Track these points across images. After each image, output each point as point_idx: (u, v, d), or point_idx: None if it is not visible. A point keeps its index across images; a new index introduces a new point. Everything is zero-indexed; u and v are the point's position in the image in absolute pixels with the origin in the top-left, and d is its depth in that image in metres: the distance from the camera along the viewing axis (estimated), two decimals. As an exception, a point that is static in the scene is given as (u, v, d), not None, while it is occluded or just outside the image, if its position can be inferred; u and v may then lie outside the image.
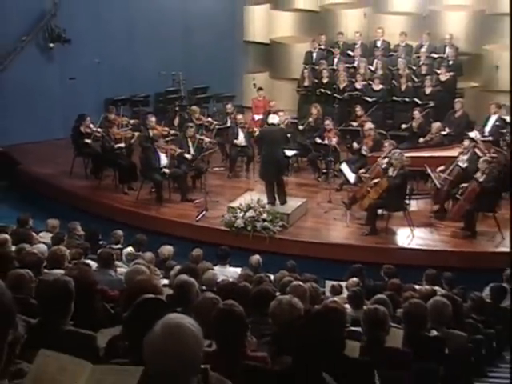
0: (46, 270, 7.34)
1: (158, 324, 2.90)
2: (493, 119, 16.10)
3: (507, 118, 16.17)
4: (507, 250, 13.27)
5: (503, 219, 13.80)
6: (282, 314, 5.18)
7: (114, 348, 4.26)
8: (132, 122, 16.58)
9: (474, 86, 18.73)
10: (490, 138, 15.56)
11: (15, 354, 3.19)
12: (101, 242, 11.65)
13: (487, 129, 15.97)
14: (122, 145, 15.50)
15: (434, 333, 6.74)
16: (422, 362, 6.04)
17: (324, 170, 16.01)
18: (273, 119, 14.64)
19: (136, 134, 15.84)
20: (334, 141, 15.69)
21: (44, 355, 3.47)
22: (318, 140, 15.97)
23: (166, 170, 14.79)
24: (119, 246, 11.62)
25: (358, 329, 6.01)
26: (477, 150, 14.33)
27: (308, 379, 3.83)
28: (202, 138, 15.81)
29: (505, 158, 14.29)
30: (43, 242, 10.11)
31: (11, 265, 6.76)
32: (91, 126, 15.92)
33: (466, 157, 14.16)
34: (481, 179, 13.46)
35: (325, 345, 3.95)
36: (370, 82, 17.58)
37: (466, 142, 14.54)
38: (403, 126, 16.66)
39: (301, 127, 16.67)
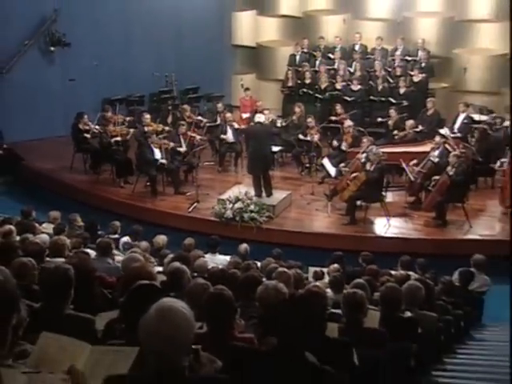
0: (47, 259, 7.32)
1: (152, 307, 2.91)
2: (461, 117, 16.18)
3: (475, 116, 16.27)
4: (475, 237, 13.37)
5: (471, 209, 13.94)
6: (268, 297, 5.19)
7: (111, 330, 4.25)
8: (127, 119, 16.59)
9: (444, 87, 18.78)
10: (459, 135, 15.62)
11: (19, 336, 3.19)
12: (99, 233, 11.61)
13: (456, 126, 16.04)
14: (119, 138, 15.53)
15: (408, 314, 6.77)
16: (397, 341, 6.06)
17: (307, 165, 16.02)
18: (259, 118, 14.68)
19: (131, 130, 15.86)
20: (316, 137, 15.75)
21: (46, 337, 3.48)
22: (301, 137, 16.03)
23: (163, 161, 14.82)
24: (116, 235, 11.62)
25: (338, 311, 6.03)
26: (447, 146, 14.42)
27: (292, 358, 3.84)
28: (193, 135, 15.80)
29: (472, 153, 14.38)
30: (45, 233, 10.09)
31: (15, 254, 6.75)
32: (89, 123, 15.92)
33: (437, 152, 14.25)
34: (451, 172, 13.53)
35: (307, 326, 3.96)
36: (349, 83, 17.60)
37: (437, 138, 14.67)
38: (379, 119, 16.70)
39: (279, 124, 16.71)
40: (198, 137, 15.96)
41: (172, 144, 15.16)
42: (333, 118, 16.58)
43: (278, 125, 16.65)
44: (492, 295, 11.41)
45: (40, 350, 3.42)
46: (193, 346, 3.17)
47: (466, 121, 16.04)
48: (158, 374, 2.88)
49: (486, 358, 9.20)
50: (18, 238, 8.59)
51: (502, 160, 14.39)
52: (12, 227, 9.55)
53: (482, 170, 14.80)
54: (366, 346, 5.11)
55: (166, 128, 16.21)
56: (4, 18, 16.43)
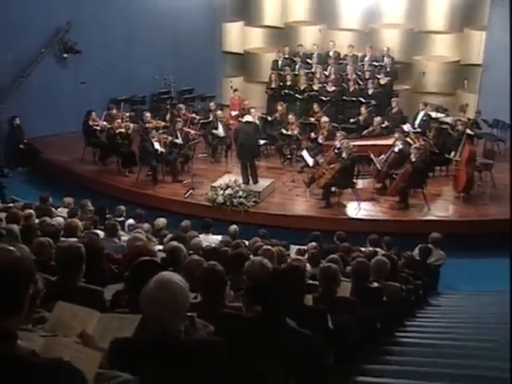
0: (62, 238, 7.30)
1: (152, 280, 2.91)
2: (421, 115, 16.25)
3: (432, 114, 16.33)
4: (432, 218, 13.44)
5: (429, 194, 14.04)
6: (254, 271, 5.18)
7: (117, 300, 4.25)
8: (127, 114, 16.59)
9: (406, 89, 18.82)
10: (419, 130, 15.66)
11: (36, 305, 3.18)
12: (107, 216, 11.62)
13: (417, 122, 16.10)
14: (123, 130, 15.45)
15: (375, 284, 6.82)
16: (366, 308, 6.09)
17: (288, 156, 16.02)
18: (247, 118, 14.73)
19: (132, 125, 15.79)
20: (296, 132, 15.75)
21: (61, 306, 3.48)
22: (283, 131, 16.00)
23: (162, 149, 14.78)
24: (122, 218, 11.61)
25: (316, 282, 6.05)
26: (408, 139, 14.46)
27: (275, 324, 3.85)
28: (188, 130, 15.77)
29: (430, 146, 14.43)
30: (60, 216, 10.08)
31: (35, 234, 6.75)
32: (97, 119, 15.96)
33: (400, 145, 14.26)
34: (412, 162, 13.58)
35: (288, 296, 3.96)
36: (325, 85, 17.59)
37: (400, 133, 14.68)
38: (351, 120, 16.69)
39: (269, 118, 16.71)
40: (193, 132, 15.95)
41: (170, 138, 15.12)
42: (311, 119, 16.56)
43: (269, 119, 16.66)
44: (446, 267, 11.50)
45: (56, 316, 3.42)
46: (188, 314, 3.18)
47: (424, 118, 16.13)
48: (157, 337, 2.89)
49: (441, 321, 9.29)
50: (37, 220, 8.58)
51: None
52: (32, 211, 9.55)
53: (439, 160, 14.85)
54: (339, 313, 5.12)
55: (163, 123, 16.15)
56: (23, 30, 16.29)
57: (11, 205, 11.46)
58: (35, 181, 16.30)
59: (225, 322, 3.73)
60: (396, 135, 14.63)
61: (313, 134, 15.63)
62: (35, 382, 1.88)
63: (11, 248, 2.01)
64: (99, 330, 3.26)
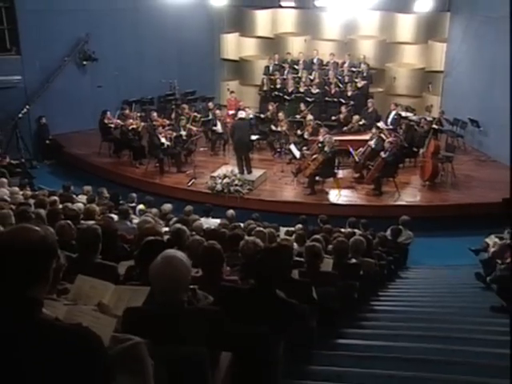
0: (82, 221, 7.28)
1: (159, 257, 2.91)
2: (392, 114, 16.16)
3: (402, 113, 16.32)
4: (402, 203, 13.46)
5: (400, 182, 14.01)
6: (248, 249, 5.19)
7: (129, 274, 4.24)
8: (138, 113, 16.50)
9: (380, 91, 18.74)
10: (391, 127, 15.60)
11: (59, 278, 3.17)
12: (120, 202, 11.56)
13: (389, 120, 16.01)
14: (134, 126, 15.44)
15: (353, 260, 6.83)
16: (345, 280, 6.11)
17: (278, 149, 15.93)
18: (241, 115, 14.62)
19: (142, 123, 15.71)
20: (285, 128, 15.71)
21: (81, 279, 3.47)
22: (274, 128, 15.92)
23: (168, 143, 14.74)
24: (133, 204, 11.55)
25: (302, 259, 6.05)
26: (382, 135, 14.41)
27: (266, 294, 3.85)
28: (191, 127, 15.72)
29: (401, 141, 14.42)
30: (80, 202, 10.06)
31: (59, 217, 6.73)
32: (111, 118, 15.94)
33: (374, 140, 14.25)
34: (385, 155, 13.58)
35: (278, 270, 3.96)
36: (310, 87, 17.50)
37: (375, 130, 14.68)
38: (333, 118, 16.65)
39: (262, 116, 16.62)
40: (195, 128, 15.83)
41: (174, 133, 15.07)
42: (298, 117, 16.51)
43: (261, 117, 16.56)
44: (414, 245, 11.55)
45: (76, 288, 3.42)
46: (191, 286, 3.18)
47: (395, 117, 16.06)
48: (163, 306, 2.90)
49: (409, 291, 9.37)
50: (60, 206, 8.54)
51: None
52: (56, 198, 9.56)
53: (408, 153, 14.83)
54: (321, 285, 5.13)
55: (168, 121, 16.03)
56: (50, 42, 16.28)
57: (39, 192, 11.41)
58: (59, 172, 16.26)
59: (223, 293, 3.73)
60: (374, 130, 14.61)
61: (299, 131, 15.58)
62: (58, 343, 1.89)
63: (37, 228, 2.01)
64: (114, 300, 3.25)
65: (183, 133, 15.20)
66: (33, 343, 1.87)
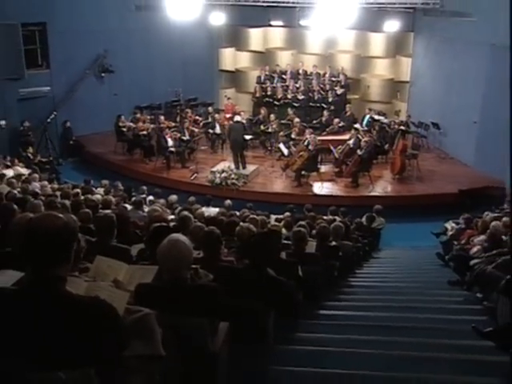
0: (100, 210, 7.25)
1: (165, 240, 2.89)
2: (367, 117, 16.12)
3: (375, 117, 16.28)
4: (375, 194, 13.47)
5: (373, 176, 14.00)
6: (243, 234, 5.17)
7: (141, 256, 4.22)
8: (148, 117, 16.42)
9: (356, 98, 18.66)
10: (366, 128, 15.55)
11: (80, 258, 3.17)
12: (133, 194, 11.53)
13: (364, 123, 15.97)
14: (145, 132, 15.42)
15: (334, 243, 6.82)
16: (327, 260, 6.11)
17: (269, 148, 15.86)
18: (236, 118, 14.62)
19: (151, 126, 15.64)
20: (275, 127, 15.65)
21: (99, 259, 3.45)
22: (263, 128, 15.86)
23: (173, 149, 14.71)
24: (144, 195, 11.48)
25: (289, 242, 6.03)
26: (359, 136, 14.39)
27: (258, 272, 3.84)
28: (193, 129, 15.67)
29: (374, 140, 14.37)
30: (99, 194, 10.00)
31: (80, 207, 6.70)
32: (125, 121, 15.90)
33: (352, 140, 14.23)
34: (361, 152, 13.58)
35: (268, 252, 3.96)
36: (296, 94, 17.41)
37: (352, 131, 14.65)
38: (316, 120, 16.59)
39: (255, 119, 16.52)
40: (197, 130, 15.80)
41: (179, 134, 15.02)
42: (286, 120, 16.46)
43: (254, 120, 16.43)
44: (386, 230, 11.56)
45: (95, 267, 3.39)
46: (193, 266, 3.16)
47: (369, 119, 16.01)
48: (170, 282, 2.88)
49: (381, 268, 9.39)
50: (82, 197, 8.51)
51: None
52: (78, 190, 9.54)
53: (380, 151, 14.83)
54: (306, 264, 5.12)
55: (173, 124, 15.99)
56: (73, 58, 16.25)
57: (64, 186, 11.39)
58: (80, 168, 16.13)
59: (221, 272, 3.71)
60: (352, 131, 14.58)
61: (287, 131, 15.54)
62: (79, 313, 1.90)
63: (60, 215, 2.02)
64: (127, 277, 3.23)
65: (186, 137, 15.11)
66: (58, 313, 1.88)
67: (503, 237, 6.71)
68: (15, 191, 8.07)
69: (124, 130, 15.80)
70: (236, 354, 3.24)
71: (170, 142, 14.73)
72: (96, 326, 1.90)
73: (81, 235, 2.88)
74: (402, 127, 15.01)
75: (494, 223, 7.28)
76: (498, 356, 4.16)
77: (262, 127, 15.94)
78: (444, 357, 4.20)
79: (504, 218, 8.53)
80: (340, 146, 14.25)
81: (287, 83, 18.11)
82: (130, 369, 2.06)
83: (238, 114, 15.46)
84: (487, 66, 13.93)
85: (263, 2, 17.34)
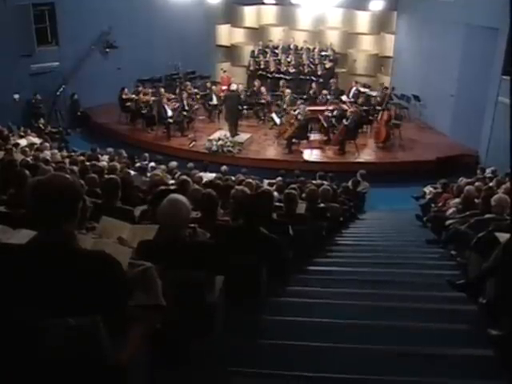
0: (106, 175, 7.20)
1: (165, 200, 2.86)
2: (353, 89, 15.91)
3: (361, 89, 16.09)
4: (361, 160, 13.42)
5: (359, 144, 13.93)
6: (238, 196, 5.14)
7: (143, 216, 4.19)
8: (150, 90, 16.13)
9: (343, 71, 18.40)
10: (352, 100, 15.36)
11: (86, 216, 3.16)
12: (136, 160, 11.43)
13: (350, 95, 15.77)
14: (147, 103, 15.25)
15: (322, 205, 6.81)
16: (315, 221, 6.11)
17: (262, 117, 15.68)
18: (232, 87, 14.47)
19: (152, 98, 15.41)
20: (268, 100, 15.49)
21: (105, 219, 3.44)
22: (258, 100, 15.71)
23: (171, 120, 14.54)
24: (146, 162, 11.37)
25: (281, 204, 6.02)
26: (345, 106, 14.25)
27: (252, 231, 3.83)
28: (191, 103, 15.40)
29: (360, 110, 14.20)
30: (104, 161, 9.93)
31: (88, 172, 6.65)
32: (128, 93, 15.70)
33: (339, 109, 14.09)
34: (347, 122, 13.48)
35: (261, 212, 3.94)
36: (287, 68, 17.17)
37: (339, 102, 14.50)
38: (306, 92, 16.36)
39: (249, 92, 16.28)
40: (194, 103, 15.60)
41: (177, 104, 14.84)
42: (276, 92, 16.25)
43: (249, 93, 16.15)
44: (370, 194, 11.58)
45: (101, 226, 3.39)
46: (192, 225, 3.15)
47: (355, 91, 15.84)
48: (170, 240, 2.86)
49: (365, 228, 9.43)
50: (88, 163, 8.44)
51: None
52: (85, 158, 9.42)
53: (365, 121, 14.71)
54: (296, 224, 5.12)
55: (173, 96, 15.72)
56: (80, 35, 15.95)
57: (72, 153, 11.30)
58: (87, 137, 15.94)
59: (217, 231, 3.70)
60: (339, 102, 14.45)
61: (279, 102, 15.36)
62: (88, 265, 1.91)
63: (67, 176, 2.00)
64: (130, 235, 3.22)
65: (186, 108, 14.90)
66: (69, 265, 1.88)
67: (475, 200, 6.74)
68: (28, 159, 8.02)
69: (127, 101, 15.59)
70: (231, 306, 3.25)
71: (170, 113, 14.54)
72: (102, 276, 1.90)
73: (87, 197, 2.84)
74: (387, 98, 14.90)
75: (467, 187, 7.32)
76: (468, 305, 4.24)
77: (258, 99, 15.68)
78: (422, 307, 4.26)
79: (476, 183, 8.61)
80: (327, 113, 14.09)
81: (279, 57, 17.84)
82: (133, 317, 2.06)
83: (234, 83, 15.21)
84: (463, 43, 14.02)
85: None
